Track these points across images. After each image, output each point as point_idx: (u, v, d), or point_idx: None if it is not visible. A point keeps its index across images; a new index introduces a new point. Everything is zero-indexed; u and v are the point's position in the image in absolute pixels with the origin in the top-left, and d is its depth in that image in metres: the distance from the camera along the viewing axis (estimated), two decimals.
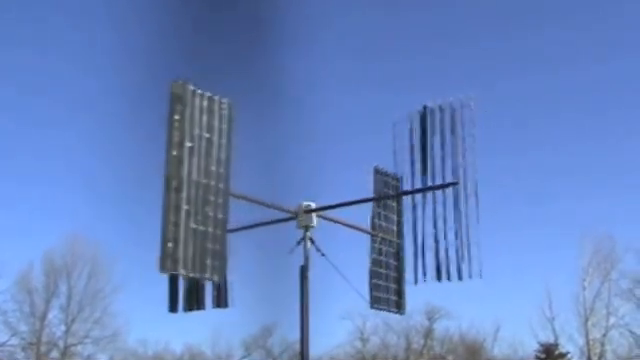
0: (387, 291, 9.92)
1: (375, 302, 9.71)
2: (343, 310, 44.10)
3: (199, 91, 7.82)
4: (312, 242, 8.82)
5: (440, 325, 48.02)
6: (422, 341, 48.70)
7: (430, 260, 8.64)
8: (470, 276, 8.43)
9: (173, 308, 9.08)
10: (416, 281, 8.82)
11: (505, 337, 48.51)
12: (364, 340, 48.48)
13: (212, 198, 7.74)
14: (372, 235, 9.82)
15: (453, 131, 8.50)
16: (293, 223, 8.93)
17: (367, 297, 9.62)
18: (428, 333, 48.42)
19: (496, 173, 58.28)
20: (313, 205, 9.01)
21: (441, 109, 8.61)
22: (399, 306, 10.12)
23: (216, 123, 7.89)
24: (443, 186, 8.46)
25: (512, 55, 60.87)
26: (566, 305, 43.50)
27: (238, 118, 8.31)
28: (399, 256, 10.04)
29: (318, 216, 8.97)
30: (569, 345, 44.00)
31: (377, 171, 9.94)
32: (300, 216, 8.89)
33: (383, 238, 9.78)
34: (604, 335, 43.36)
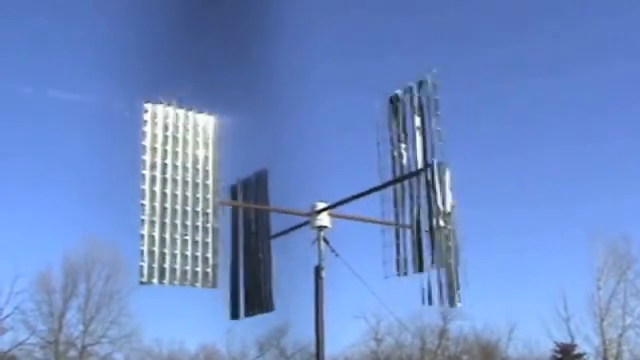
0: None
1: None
2: (357, 309, 44.13)
3: (181, 110, 8.18)
4: (326, 242, 8.75)
5: (454, 325, 47.93)
6: (437, 341, 48.54)
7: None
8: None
9: (234, 315, 9.38)
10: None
11: (520, 337, 48.26)
12: (378, 340, 48.42)
13: (200, 209, 8.02)
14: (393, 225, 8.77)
15: (422, 114, 8.10)
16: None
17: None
18: (442, 333, 48.25)
19: (510, 172, 58.12)
20: (325, 205, 8.92)
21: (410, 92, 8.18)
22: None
23: (201, 139, 8.23)
24: (416, 173, 8.05)
25: (517, 56, 60.67)
26: (581, 305, 43.25)
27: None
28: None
29: (332, 215, 8.86)
30: (585, 345, 43.71)
31: None
32: (313, 217, 8.82)
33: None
34: (620, 335, 43.00)
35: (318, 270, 8.64)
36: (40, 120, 60.15)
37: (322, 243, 8.70)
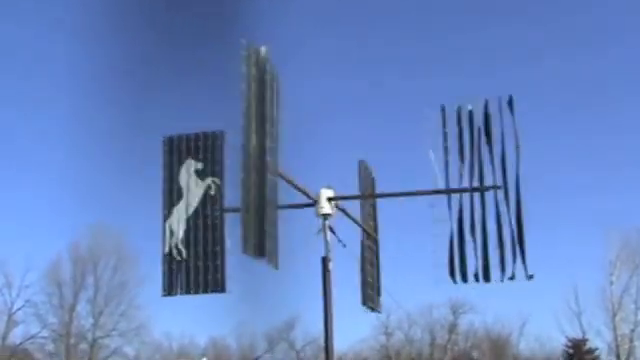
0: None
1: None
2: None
3: (192, 135, 9.14)
4: (332, 231, 8.33)
5: (465, 319, 47.66)
6: (447, 336, 48.34)
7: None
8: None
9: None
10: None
11: (531, 332, 48.00)
12: (388, 334, 48.28)
13: (209, 222, 8.83)
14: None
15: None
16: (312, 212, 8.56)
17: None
18: (452, 328, 48.01)
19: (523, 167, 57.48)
20: (332, 193, 8.51)
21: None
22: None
23: (209, 155, 9.03)
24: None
25: (533, 42, 60.12)
26: (593, 300, 42.85)
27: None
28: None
29: (337, 208, 8.56)
30: (597, 340, 43.34)
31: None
32: (319, 203, 8.36)
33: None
34: (633, 330, 42.59)
35: (325, 261, 8.26)
36: (47, 111, 60.27)
37: (328, 232, 8.27)
